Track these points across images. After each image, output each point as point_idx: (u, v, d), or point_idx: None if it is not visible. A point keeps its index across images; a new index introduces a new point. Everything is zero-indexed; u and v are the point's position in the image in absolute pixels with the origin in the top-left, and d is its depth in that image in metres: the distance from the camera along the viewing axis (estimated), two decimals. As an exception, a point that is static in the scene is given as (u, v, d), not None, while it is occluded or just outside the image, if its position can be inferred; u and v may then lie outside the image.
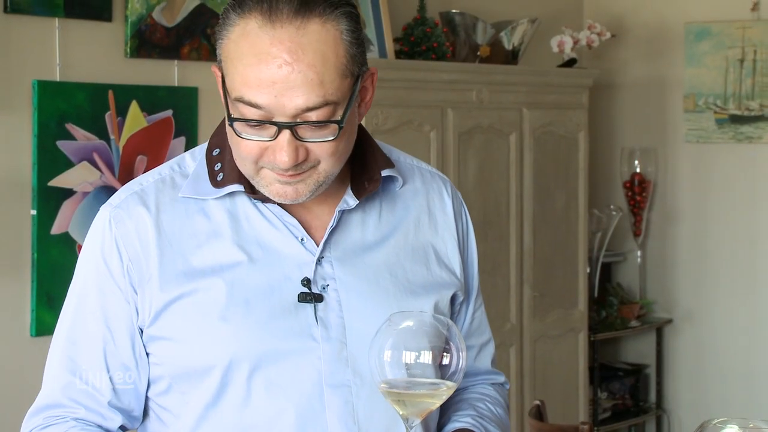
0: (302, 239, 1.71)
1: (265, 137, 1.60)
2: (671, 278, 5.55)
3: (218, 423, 1.69)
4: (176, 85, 3.79)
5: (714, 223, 5.44)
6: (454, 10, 4.56)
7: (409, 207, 1.82)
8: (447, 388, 1.59)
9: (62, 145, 3.46)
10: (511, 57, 4.70)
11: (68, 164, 3.47)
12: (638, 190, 5.44)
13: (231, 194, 1.72)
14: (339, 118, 1.61)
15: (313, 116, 1.59)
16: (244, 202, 1.73)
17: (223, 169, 1.72)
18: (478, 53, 4.56)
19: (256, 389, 1.67)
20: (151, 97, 3.70)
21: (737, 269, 5.38)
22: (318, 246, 1.72)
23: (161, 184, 1.74)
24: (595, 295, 5.21)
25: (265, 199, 1.71)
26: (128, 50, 3.64)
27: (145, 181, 1.75)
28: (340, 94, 1.60)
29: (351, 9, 1.63)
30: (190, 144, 3.80)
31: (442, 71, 4.31)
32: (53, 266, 3.44)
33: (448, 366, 1.58)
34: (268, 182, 1.65)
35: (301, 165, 1.62)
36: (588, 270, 5.04)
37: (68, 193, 3.48)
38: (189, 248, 1.70)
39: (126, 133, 3.62)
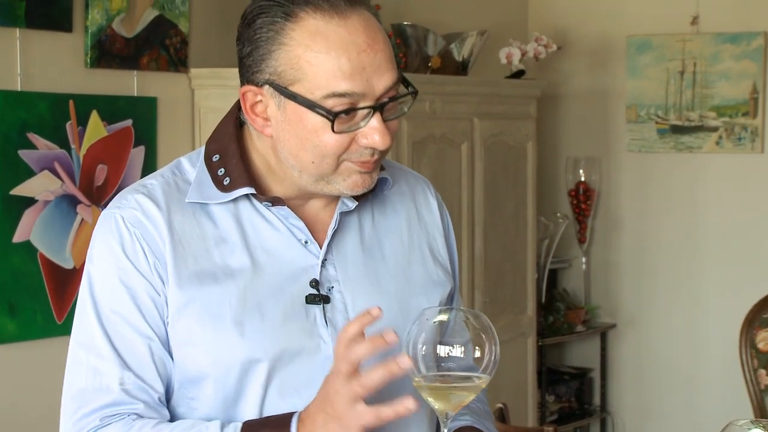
0: (306, 242, 1.72)
1: (357, 125, 1.63)
2: (615, 284, 5.60)
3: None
4: (136, 94, 3.76)
5: (655, 230, 5.49)
6: (406, 22, 4.57)
7: (398, 209, 1.85)
8: (481, 381, 1.58)
9: (24, 154, 3.41)
10: (461, 68, 4.71)
11: (30, 173, 3.43)
12: (583, 198, 5.48)
13: (234, 200, 1.72)
14: (412, 90, 1.68)
15: (391, 94, 1.64)
16: (246, 207, 1.72)
17: (228, 174, 1.71)
18: (430, 64, 4.58)
19: (271, 390, 1.67)
20: (111, 107, 3.67)
21: (678, 275, 5.44)
22: (321, 248, 1.72)
23: (167, 186, 1.73)
24: (543, 300, 5.24)
25: (274, 202, 1.71)
26: (88, 60, 3.61)
27: (149, 183, 1.74)
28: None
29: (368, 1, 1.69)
30: (150, 153, 3.77)
31: (395, 82, 4.30)
32: (15, 274, 3.40)
33: (481, 359, 1.58)
34: (346, 175, 1.67)
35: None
36: (536, 276, 5.07)
37: (30, 201, 3.43)
38: (199, 251, 1.69)
39: (86, 143, 3.59)
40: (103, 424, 1.67)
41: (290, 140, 1.66)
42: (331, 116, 1.60)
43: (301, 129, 1.63)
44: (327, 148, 1.63)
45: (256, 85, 1.66)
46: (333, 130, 1.61)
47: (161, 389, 1.69)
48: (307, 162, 1.66)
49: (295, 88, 1.62)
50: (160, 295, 1.67)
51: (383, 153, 1.67)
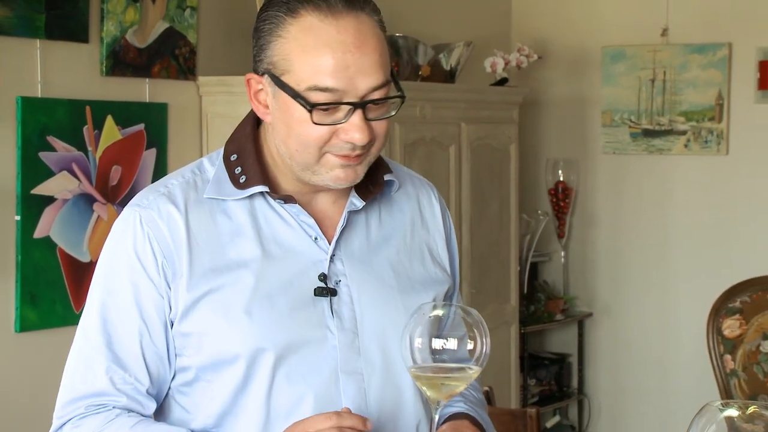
0: (316, 238, 1.70)
1: (339, 120, 1.60)
2: (591, 276, 5.60)
3: (243, 409, 1.67)
4: (148, 101, 3.75)
5: (629, 226, 5.49)
6: (397, 34, 4.56)
7: (404, 210, 1.83)
8: (472, 372, 1.58)
9: (44, 156, 3.41)
10: (449, 76, 4.71)
11: (49, 174, 3.42)
12: (562, 197, 5.47)
13: (250, 197, 1.70)
14: (399, 94, 1.64)
15: (377, 95, 1.61)
16: (261, 203, 1.71)
17: (244, 172, 1.70)
18: (420, 73, 4.57)
19: (279, 377, 1.65)
20: (125, 112, 3.66)
21: (649, 267, 5.44)
22: (330, 244, 1.71)
23: (186, 186, 1.71)
24: (525, 291, 5.23)
25: (286, 199, 1.70)
26: (104, 69, 3.60)
27: (170, 183, 1.72)
28: (390, 75, 1.63)
29: (376, 6, 1.67)
30: (161, 155, 3.76)
31: (388, 89, 4.29)
32: (36, 267, 3.39)
33: (473, 351, 1.58)
34: (329, 168, 1.64)
35: (366, 144, 1.63)
36: (518, 269, 5.06)
37: (49, 200, 3.43)
38: (214, 246, 1.67)
39: (102, 145, 3.58)
40: (87, 413, 1.66)
41: (281, 128, 1.65)
42: (309, 107, 1.59)
43: (289, 117, 1.63)
44: (308, 138, 1.62)
45: (258, 73, 1.66)
46: (313, 121, 1.60)
47: (147, 382, 1.67)
48: (293, 150, 1.65)
49: (285, 79, 1.61)
50: (162, 297, 1.66)
51: (365, 149, 1.64)
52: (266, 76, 1.64)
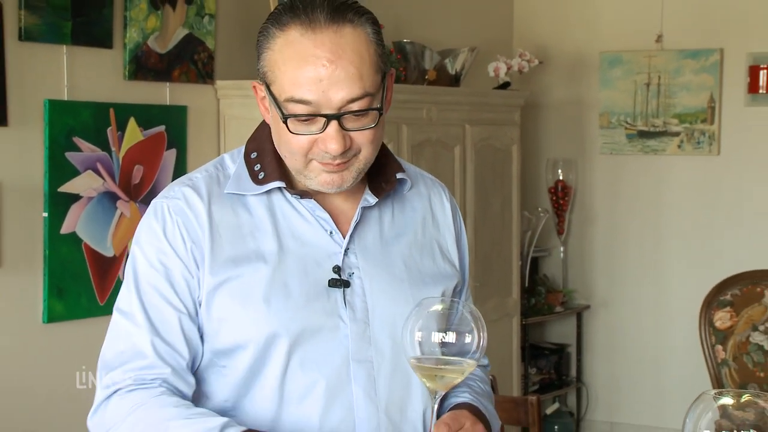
0: (331, 232, 1.71)
1: (315, 131, 1.61)
2: (589, 270, 5.60)
3: (258, 392, 1.67)
4: (168, 104, 3.76)
5: (625, 223, 5.49)
6: (405, 40, 4.57)
7: (416, 208, 1.83)
8: (469, 365, 1.58)
9: (70, 156, 3.42)
10: (454, 80, 4.71)
11: (75, 173, 3.43)
12: (561, 195, 5.47)
13: (268, 192, 1.72)
14: (378, 106, 1.62)
15: (355, 107, 1.60)
16: (280, 199, 1.72)
17: (263, 169, 1.71)
18: (426, 77, 4.58)
19: (293, 363, 1.66)
20: (147, 115, 3.67)
21: (644, 262, 5.44)
22: (344, 238, 1.72)
23: (209, 180, 1.73)
24: (526, 284, 5.24)
25: (303, 195, 1.70)
26: (127, 73, 3.61)
27: (194, 177, 1.74)
28: (375, 87, 1.61)
29: (372, 16, 1.65)
30: (181, 155, 3.77)
31: (396, 92, 4.26)
32: (62, 262, 3.40)
33: (470, 344, 1.58)
34: (316, 173, 1.65)
35: (346, 153, 1.62)
36: (520, 263, 5.07)
37: (75, 197, 3.44)
38: (235, 237, 1.68)
39: (125, 146, 3.59)
40: (135, 387, 1.64)
41: (274, 133, 1.68)
42: (283, 118, 1.61)
43: (277, 125, 1.65)
44: (290, 146, 1.63)
45: (259, 81, 1.68)
46: (289, 131, 1.61)
47: (188, 356, 1.67)
48: (284, 154, 1.67)
49: (272, 89, 1.63)
50: (193, 276, 1.67)
51: (347, 157, 1.64)
52: (264, 84, 1.66)
